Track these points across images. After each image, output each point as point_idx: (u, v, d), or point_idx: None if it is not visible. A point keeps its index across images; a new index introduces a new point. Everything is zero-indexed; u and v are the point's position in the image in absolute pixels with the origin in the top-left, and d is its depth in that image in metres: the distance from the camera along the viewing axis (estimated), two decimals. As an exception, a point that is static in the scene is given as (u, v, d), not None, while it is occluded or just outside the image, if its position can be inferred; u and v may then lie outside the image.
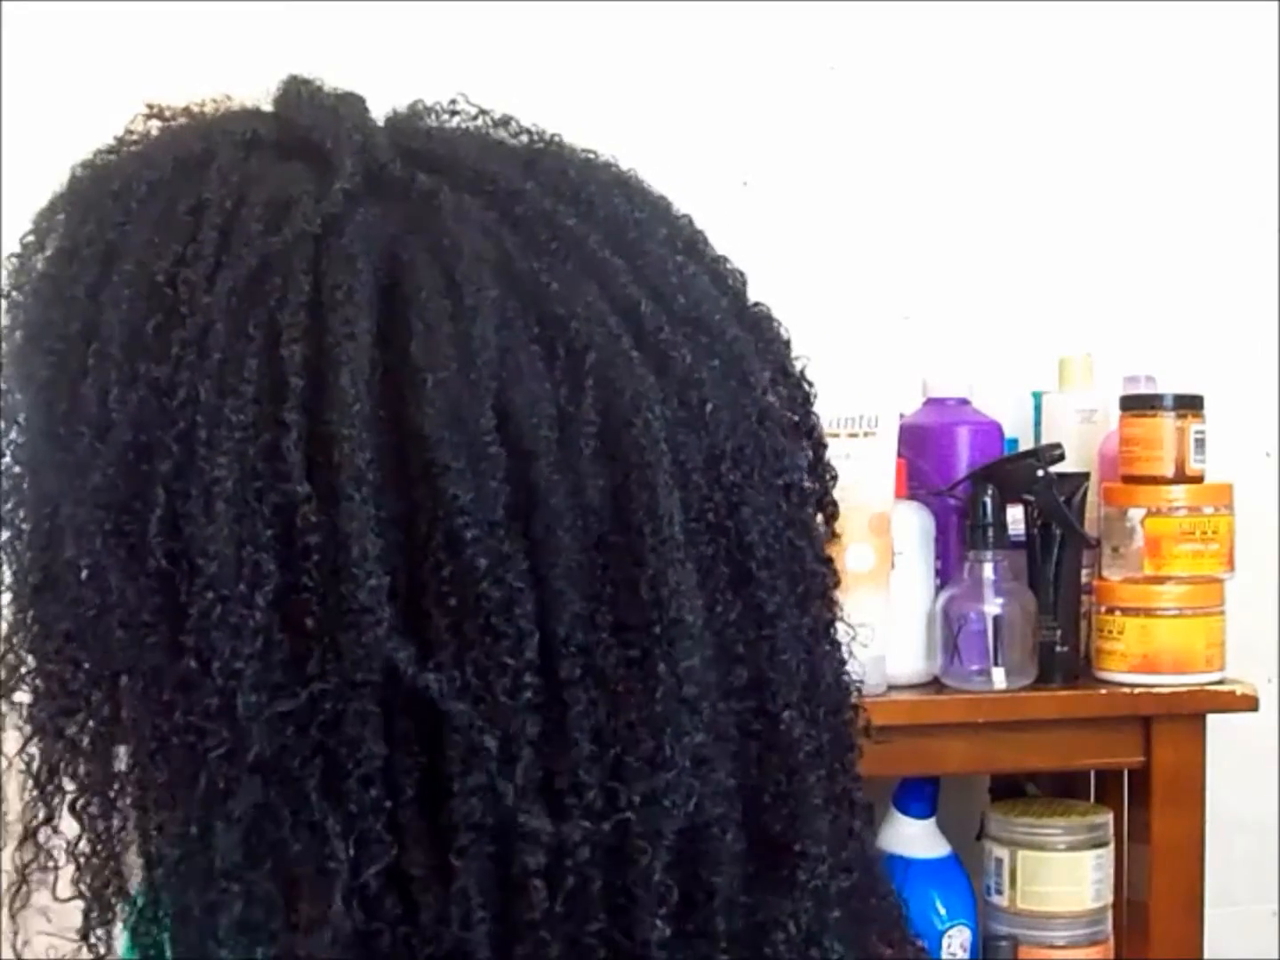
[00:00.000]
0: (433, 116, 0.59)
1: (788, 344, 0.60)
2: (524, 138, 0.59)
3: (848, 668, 0.59)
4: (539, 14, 1.67)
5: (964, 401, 1.54)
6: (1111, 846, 1.48)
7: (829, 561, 0.56)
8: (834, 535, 0.61)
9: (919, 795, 1.50)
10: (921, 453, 1.49)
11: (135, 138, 0.56)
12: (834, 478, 0.60)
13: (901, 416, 1.44)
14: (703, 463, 0.51)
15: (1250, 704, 1.44)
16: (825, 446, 0.59)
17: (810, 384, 0.61)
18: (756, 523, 0.51)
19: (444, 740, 0.46)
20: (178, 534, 0.46)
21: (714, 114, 1.71)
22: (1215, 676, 1.45)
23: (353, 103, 0.58)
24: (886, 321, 1.74)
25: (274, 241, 0.49)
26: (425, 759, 0.46)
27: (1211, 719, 1.45)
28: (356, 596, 0.45)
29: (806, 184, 1.74)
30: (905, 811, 1.49)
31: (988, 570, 1.42)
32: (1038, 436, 1.59)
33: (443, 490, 0.46)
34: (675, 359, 0.51)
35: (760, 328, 0.58)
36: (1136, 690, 1.43)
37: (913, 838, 1.49)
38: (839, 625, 0.58)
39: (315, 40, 1.63)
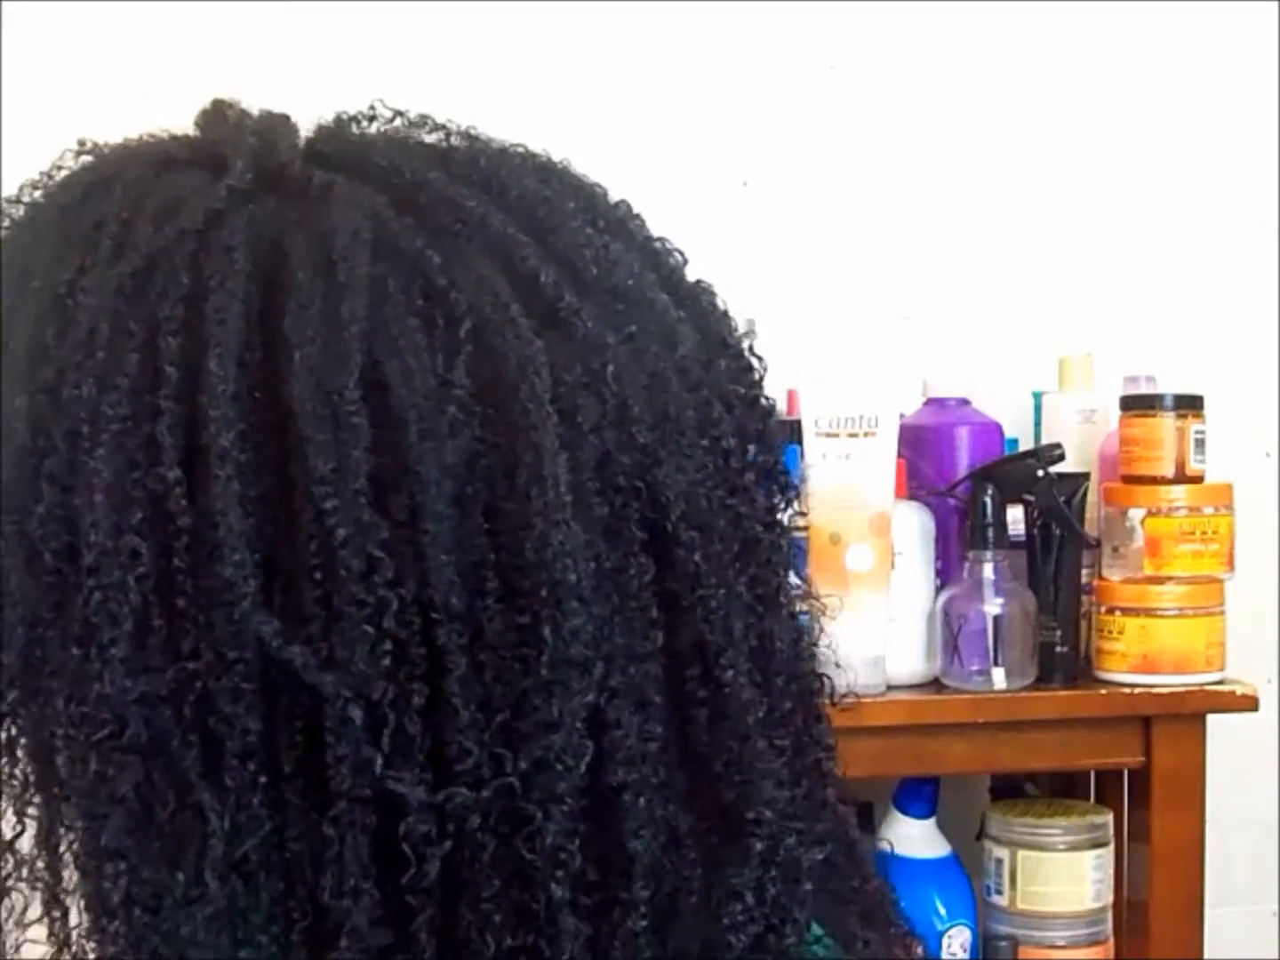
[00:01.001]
0: (354, 124, 0.61)
1: (727, 316, 0.60)
2: (440, 134, 0.60)
3: (812, 636, 0.60)
4: (539, 14, 1.67)
5: (964, 401, 1.54)
6: (1111, 846, 1.48)
7: (776, 527, 0.57)
8: (797, 511, 0.62)
9: (919, 795, 1.50)
10: (921, 453, 1.49)
11: (62, 171, 0.57)
12: (780, 446, 0.60)
13: (901, 416, 1.44)
14: (607, 424, 0.51)
15: (1250, 704, 1.44)
16: (771, 416, 0.59)
17: (758, 358, 0.61)
18: (675, 483, 0.51)
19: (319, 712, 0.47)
20: (68, 530, 0.48)
21: (714, 114, 1.71)
22: (1215, 676, 1.45)
23: (269, 118, 0.59)
24: (886, 321, 1.74)
25: (157, 240, 0.51)
26: (305, 733, 0.47)
27: (1211, 719, 1.45)
28: (222, 573, 0.46)
29: (806, 184, 1.74)
30: (905, 811, 1.49)
31: (988, 570, 1.42)
32: (1038, 436, 1.59)
33: (305, 462, 0.47)
34: (576, 325, 0.51)
35: (695, 301, 0.58)
36: (1136, 690, 1.43)
37: (913, 838, 1.49)
38: (801, 595, 0.59)
39: (315, 40, 1.63)
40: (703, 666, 0.51)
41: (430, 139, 0.59)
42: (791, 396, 1.56)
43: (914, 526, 1.45)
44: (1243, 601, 1.51)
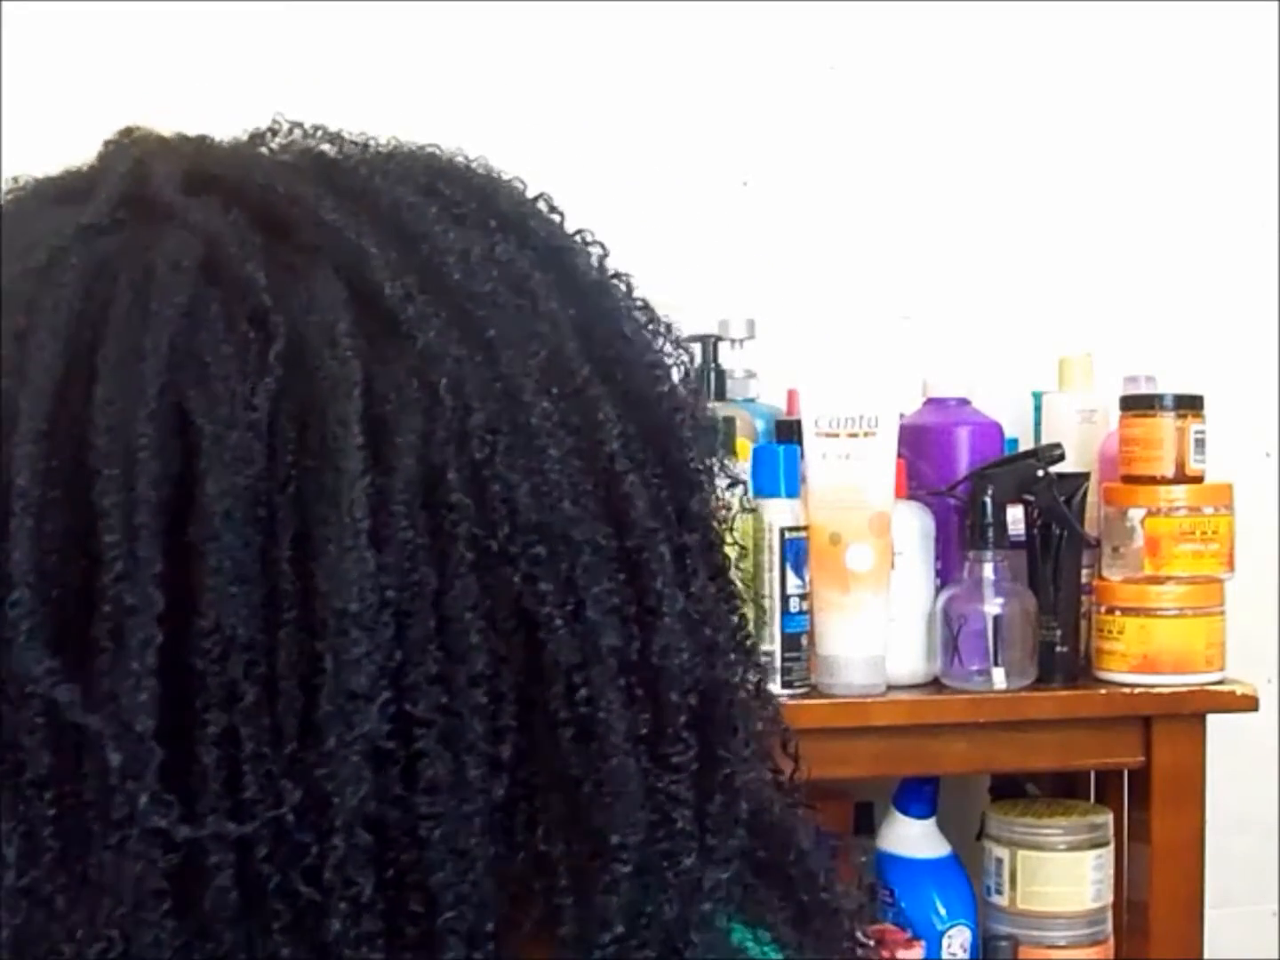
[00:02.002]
0: (259, 141, 0.59)
1: (640, 310, 0.59)
2: (335, 145, 0.58)
3: (731, 642, 0.56)
4: (539, 14, 1.67)
5: (964, 401, 1.54)
6: (1111, 846, 1.48)
7: (652, 534, 0.53)
8: (739, 508, 0.60)
9: (919, 795, 1.50)
10: (921, 453, 1.49)
11: None
12: (702, 442, 0.57)
13: (901, 416, 1.44)
14: (438, 440, 0.49)
15: (1250, 704, 1.44)
16: (681, 412, 0.56)
17: (682, 350, 0.60)
18: (517, 497, 0.50)
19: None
20: None
21: (714, 114, 1.71)
22: (1215, 676, 1.45)
23: (159, 143, 0.58)
24: (886, 321, 1.74)
25: (8, 280, 0.51)
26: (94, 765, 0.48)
27: (1211, 719, 1.45)
28: (6, 610, 0.47)
29: (806, 184, 1.74)
30: (905, 811, 1.49)
31: (988, 570, 1.42)
32: (1038, 436, 1.59)
33: (94, 497, 0.47)
34: (418, 337, 0.50)
35: (596, 298, 0.57)
36: (1136, 690, 1.43)
37: (913, 838, 1.49)
38: (707, 598, 0.55)
39: (315, 40, 1.63)
40: (565, 684, 0.50)
41: (328, 149, 0.58)
42: (791, 396, 1.56)
43: (914, 526, 1.45)
44: (1243, 601, 1.51)
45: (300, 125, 0.58)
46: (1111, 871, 1.48)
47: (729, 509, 0.61)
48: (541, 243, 0.57)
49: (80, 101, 1.54)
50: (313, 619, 0.47)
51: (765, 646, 1.38)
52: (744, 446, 1.41)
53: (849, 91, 1.75)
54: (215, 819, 0.46)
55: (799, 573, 1.38)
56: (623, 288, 0.59)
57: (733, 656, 0.56)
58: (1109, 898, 1.48)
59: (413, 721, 0.48)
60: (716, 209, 1.72)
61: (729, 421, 1.39)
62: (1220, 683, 1.45)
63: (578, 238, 0.59)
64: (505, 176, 0.59)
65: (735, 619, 0.58)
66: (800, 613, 1.38)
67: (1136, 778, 1.47)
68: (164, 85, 1.56)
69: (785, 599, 1.37)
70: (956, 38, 1.77)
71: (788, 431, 1.47)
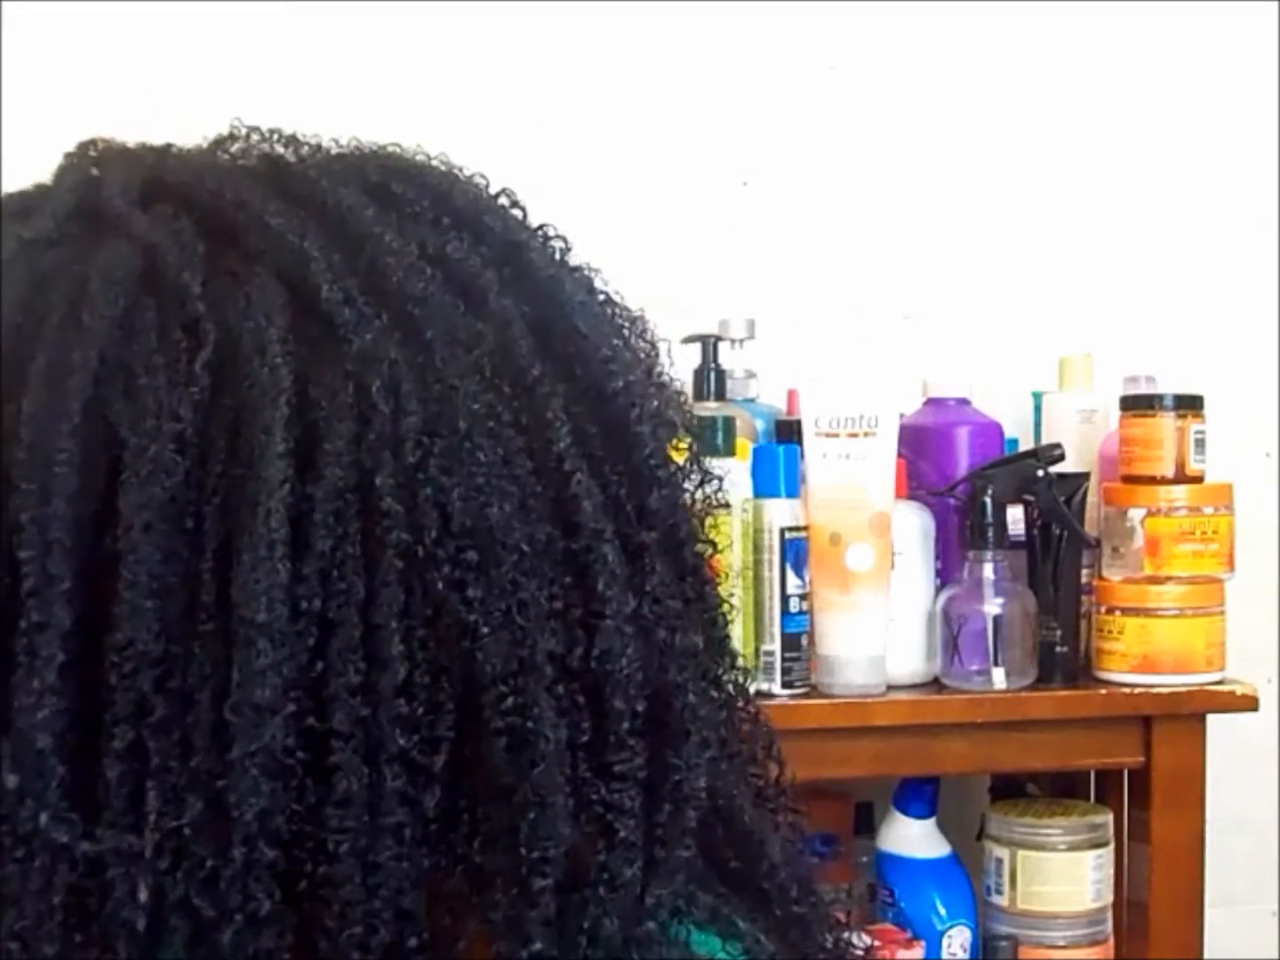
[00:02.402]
0: (219, 147, 0.59)
1: (599, 305, 0.58)
2: (291, 148, 0.58)
3: (698, 646, 0.54)
4: (539, 14, 1.67)
5: (964, 401, 1.54)
6: (1111, 846, 1.48)
7: (598, 534, 0.51)
8: (712, 504, 0.59)
9: (919, 795, 1.50)
10: (921, 453, 1.49)
11: None
12: (644, 441, 0.55)
13: (901, 416, 1.44)
14: (369, 446, 0.49)
15: (1250, 704, 1.44)
16: (636, 408, 0.55)
17: (653, 345, 0.59)
18: (447, 502, 0.49)
19: None
20: None
21: (714, 114, 1.71)
22: (1215, 676, 1.45)
23: (116, 152, 0.58)
24: (887, 321, 1.74)
25: None
26: None
27: (1211, 719, 1.45)
28: None
29: (806, 184, 1.74)
30: (905, 811, 1.49)
31: (988, 570, 1.42)
32: (1038, 436, 1.59)
33: (8, 513, 0.48)
34: (354, 340, 0.50)
35: (552, 294, 0.56)
36: (1136, 690, 1.43)
37: (913, 838, 1.49)
38: (665, 598, 0.53)
39: (315, 40, 1.63)
40: (496, 693, 0.49)
41: (285, 153, 0.58)
42: (791, 396, 1.56)
43: (914, 526, 1.45)
44: (1243, 601, 1.51)
45: (258, 129, 0.58)
46: (1111, 871, 1.48)
47: (709, 505, 0.59)
48: (496, 239, 0.56)
49: (80, 101, 1.54)
50: (228, 631, 0.47)
51: (765, 646, 1.38)
52: (744, 446, 1.41)
53: (849, 91, 1.75)
54: (114, 834, 0.46)
55: (799, 573, 1.38)
56: (584, 282, 0.58)
57: (698, 658, 0.55)
58: (1109, 898, 1.48)
59: (330, 733, 0.47)
60: (716, 209, 1.72)
61: (729, 421, 1.39)
62: (1220, 683, 1.45)
63: (539, 232, 0.58)
64: (464, 174, 0.59)
65: (709, 617, 0.57)
66: (800, 613, 1.38)
67: (1136, 778, 1.47)
68: (164, 85, 1.56)
69: (785, 599, 1.37)
70: (956, 38, 1.77)
71: (788, 431, 1.47)
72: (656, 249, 1.68)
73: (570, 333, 0.55)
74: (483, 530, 0.50)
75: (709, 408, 1.47)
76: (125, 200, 0.54)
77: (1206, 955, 1.47)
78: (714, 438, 1.37)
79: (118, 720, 0.47)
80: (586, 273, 0.59)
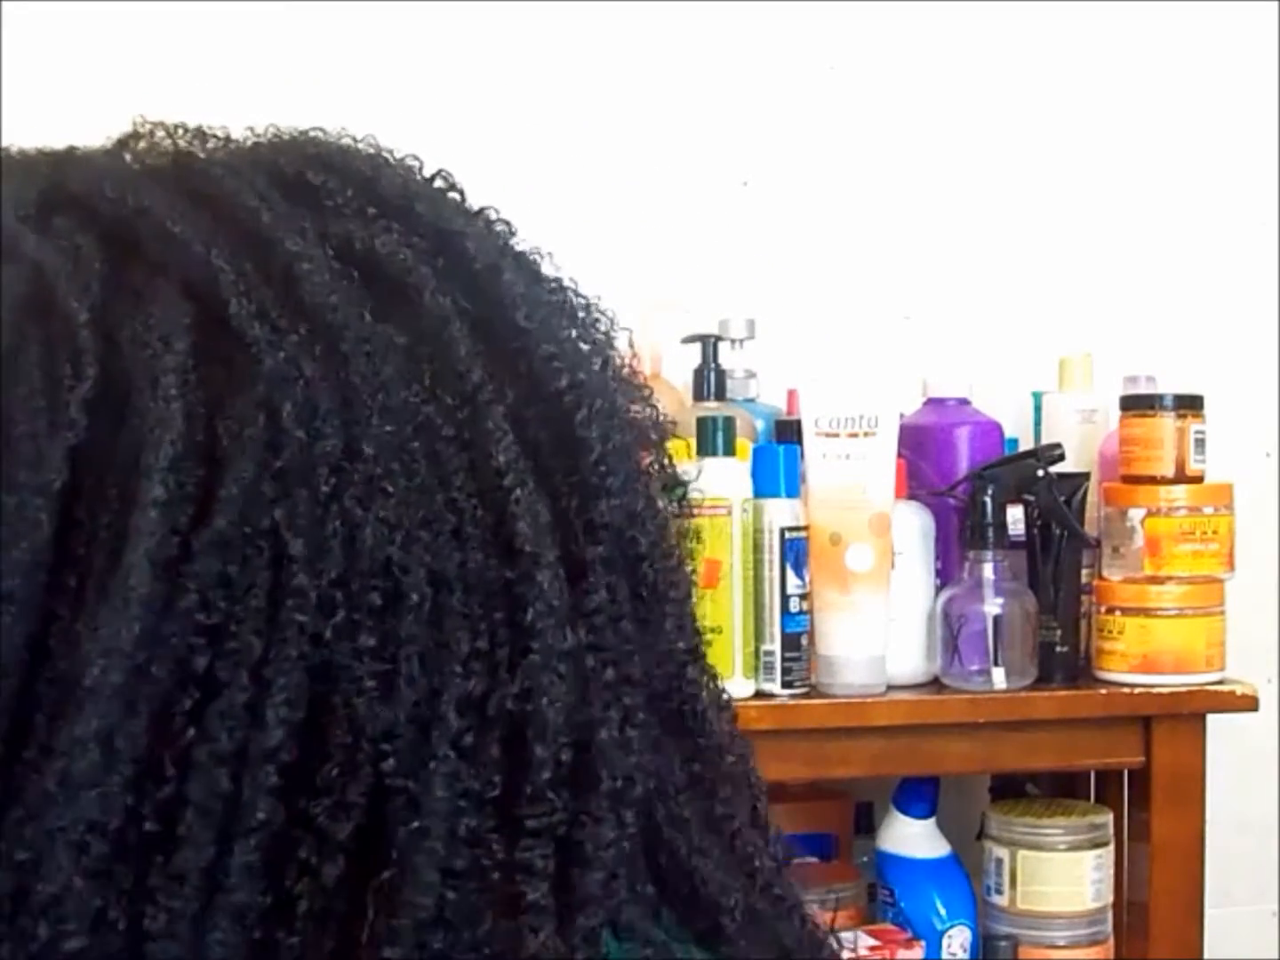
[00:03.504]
0: (123, 148, 0.54)
1: (538, 299, 0.52)
2: (198, 141, 0.53)
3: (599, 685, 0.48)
4: (539, 14, 1.67)
5: (964, 401, 1.54)
6: (1111, 846, 1.48)
7: (532, 559, 0.46)
8: (677, 512, 0.54)
9: (919, 795, 1.50)
10: (921, 453, 1.49)
11: None
12: (589, 446, 0.50)
13: (901, 416, 1.44)
14: (278, 479, 0.44)
15: (1250, 704, 1.44)
16: (582, 414, 0.49)
17: (610, 335, 0.54)
18: (351, 540, 0.44)
19: None
20: None
21: (714, 114, 1.71)
22: (1215, 676, 1.45)
23: (24, 160, 0.53)
24: (887, 321, 1.74)
25: None
26: None
27: (1211, 719, 1.45)
28: None
29: (806, 184, 1.74)
30: (905, 811, 1.49)
31: (988, 570, 1.42)
32: (1038, 436, 1.59)
33: None
34: (264, 360, 0.45)
35: (490, 287, 0.50)
36: (1136, 690, 1.43)
37: (913, 838, 1.49)
38: (607, 620, 0.48)
39: (315, 40, 1.63)
40: (379, 752, 0.44)
41: (192, 148, 0.53)
42: (791, 396, 1.56)
43: (914, 526, 1.45)
44: (1243, 601, 1.51)
45: (164, 125, 0.54)
46: (1111, 871, 1.48)
47: (680, 510, 0.55)
48: (429, 228, 0.51)
49: (80, 101, 1.54)
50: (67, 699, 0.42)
51: (765, 646, 1.38)
52: (744, 446, 1.41)
53: (849, 91, 1.75)
54: None
55: (799, 573, 1.38)
56: (529, 269, 0.53)
57: (635, 689, 0.49)
58: (1109, 898, 1.48)
59: (182, 803, 0.43)
60: (716, 209, 1.72)
61: (729, 421, 1.39)
62: (1220, 683, 1.45)
63: (478, 218, 0.53)
64: (393, 157, 0.54)
65: (675, 634, 0.52)
66: (800, 613, 1.38)
67: (1136, 778, 1.47)
68: (164, 85, 1.56)
69: (785, 599, 1.37)
70: (956, 38, 1.77)
71: (788, 431, 1.47)
72: (656, 249, 1.68)
73: (512, 328, 0.50)
74: (392, 566, 0.44)
75: (709, 408, 1.47)
76: (17, 216, 0.48)
77: (1206, 955, 1.47)
78: (714, 438, 1.37)
79: None
80: (533, 258, 0.53)
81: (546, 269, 0.54)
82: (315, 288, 0.47)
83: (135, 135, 0.53)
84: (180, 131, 0.53)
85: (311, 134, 0.53)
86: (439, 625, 0.45)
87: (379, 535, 0.44)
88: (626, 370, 0.54)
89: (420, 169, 0.54)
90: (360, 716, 0.44)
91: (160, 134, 0.53)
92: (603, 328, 0.54)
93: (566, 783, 0.46)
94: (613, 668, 0.48)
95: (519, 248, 0.53)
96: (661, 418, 0.55)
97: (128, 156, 0.53)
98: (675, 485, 0.55)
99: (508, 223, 0.53)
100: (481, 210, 0.53)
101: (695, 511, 0.58)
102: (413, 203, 0.51)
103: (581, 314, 0.53)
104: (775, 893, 0.54)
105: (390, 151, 0.53)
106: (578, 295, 0.54)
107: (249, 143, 0.53)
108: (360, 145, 0.54)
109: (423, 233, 0.50)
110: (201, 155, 0.52)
